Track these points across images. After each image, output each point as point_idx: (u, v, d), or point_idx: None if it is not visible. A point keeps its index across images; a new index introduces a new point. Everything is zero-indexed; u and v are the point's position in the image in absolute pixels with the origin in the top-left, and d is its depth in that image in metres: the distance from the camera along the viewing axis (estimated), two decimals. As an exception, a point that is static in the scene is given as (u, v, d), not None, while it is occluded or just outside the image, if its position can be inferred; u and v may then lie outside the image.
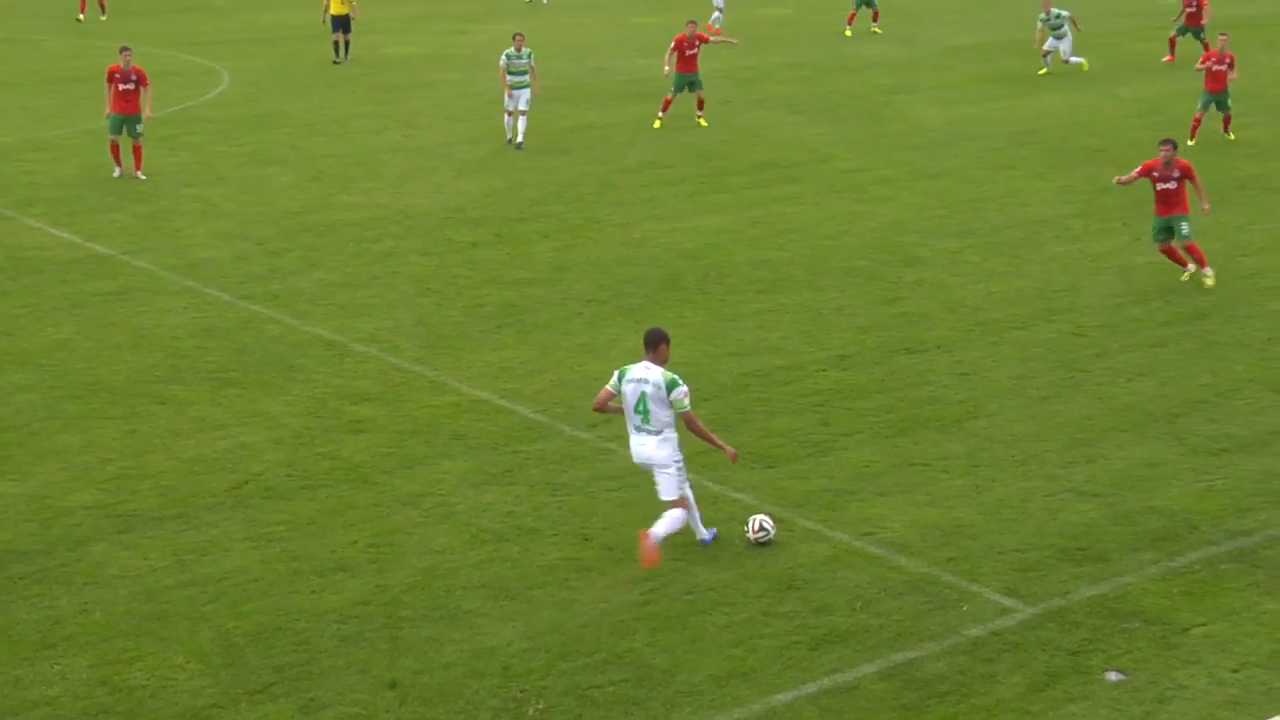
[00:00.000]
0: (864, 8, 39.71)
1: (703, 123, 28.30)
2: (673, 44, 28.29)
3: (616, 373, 11.93)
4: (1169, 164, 18.50)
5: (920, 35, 40.49)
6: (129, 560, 12.07)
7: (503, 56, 26.90)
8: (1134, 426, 14.46)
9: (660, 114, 28.56)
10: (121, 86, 24.20)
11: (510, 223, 22.02)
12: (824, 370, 16.03)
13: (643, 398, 11.70)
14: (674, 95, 28.36)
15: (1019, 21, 39.87)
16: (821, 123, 28.84)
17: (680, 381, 11.66)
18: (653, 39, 40.48)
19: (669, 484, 11.83)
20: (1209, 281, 18.38)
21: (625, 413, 11.89)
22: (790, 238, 21.04)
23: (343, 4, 36.17)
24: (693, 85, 28.17)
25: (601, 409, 12.11)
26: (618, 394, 11.85)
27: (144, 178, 24.51)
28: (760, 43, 39.18)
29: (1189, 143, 25.70)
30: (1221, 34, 27.84)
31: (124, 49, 24.80)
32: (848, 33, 39.78)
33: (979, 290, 18.62)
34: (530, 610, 11.27)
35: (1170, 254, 18.80)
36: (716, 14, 40.67)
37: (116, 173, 24.65)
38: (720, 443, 11.99)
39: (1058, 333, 17.09)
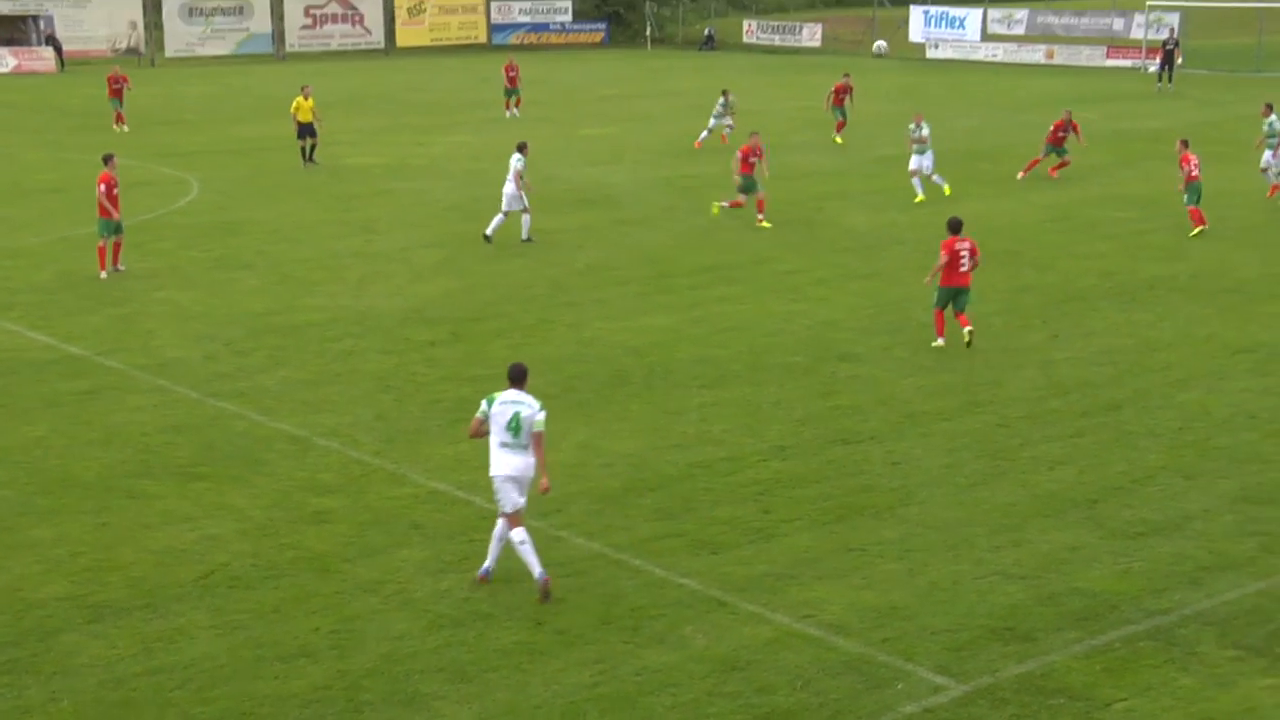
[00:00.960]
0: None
1: (765, 224, 28.84)
2: (739, 153, 29.18)
3: (485, 401, 12.84)
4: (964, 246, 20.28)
5: (851, 146, 41.11)
6: (98, 649, 11.87)
7: (520, 162, 27.23)
8: (1056, 512, 14.55)
9: (723, 203, 29.47)
10: (115, 191, 24.75)
11: (466, 322, 22.04)
12: (764, 461, 16.07)
13: (515, 417, 12.62)
14: (743, 198, 29.05)
15: (945, 134, 40.59)
16: (759, 228, 29.09)
17: (544, 409, 12.76)
18: (600, 149, 40.90)
19: (524, 495, 12.75)
20: (966, 339, 20.12)
21: (493, 432, 12.68)
22: (731, 335, 21.16)
23: (309, 112, 36.83)
24: (751, 189, 29.05)
25: (476, 434, 12.91)
26: (487, 418, 12.72)
27: (124, 269, 25.12)
28: (703, 153, 39.64)
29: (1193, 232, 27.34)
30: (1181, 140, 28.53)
31: (110, 157, 25.32)
32: (838, 140, 40.24)
33: (909, 384, 18.77)
34: (486, 692, 11.16)
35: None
36: (728, 126, 40.87)
37: (104, 275, 24.71)
38: (544, 468, 12.78)
39: (983, 424, 17.22)
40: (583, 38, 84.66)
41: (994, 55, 71.15)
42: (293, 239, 28.44)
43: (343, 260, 26.49)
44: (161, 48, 72.58)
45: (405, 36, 79.88)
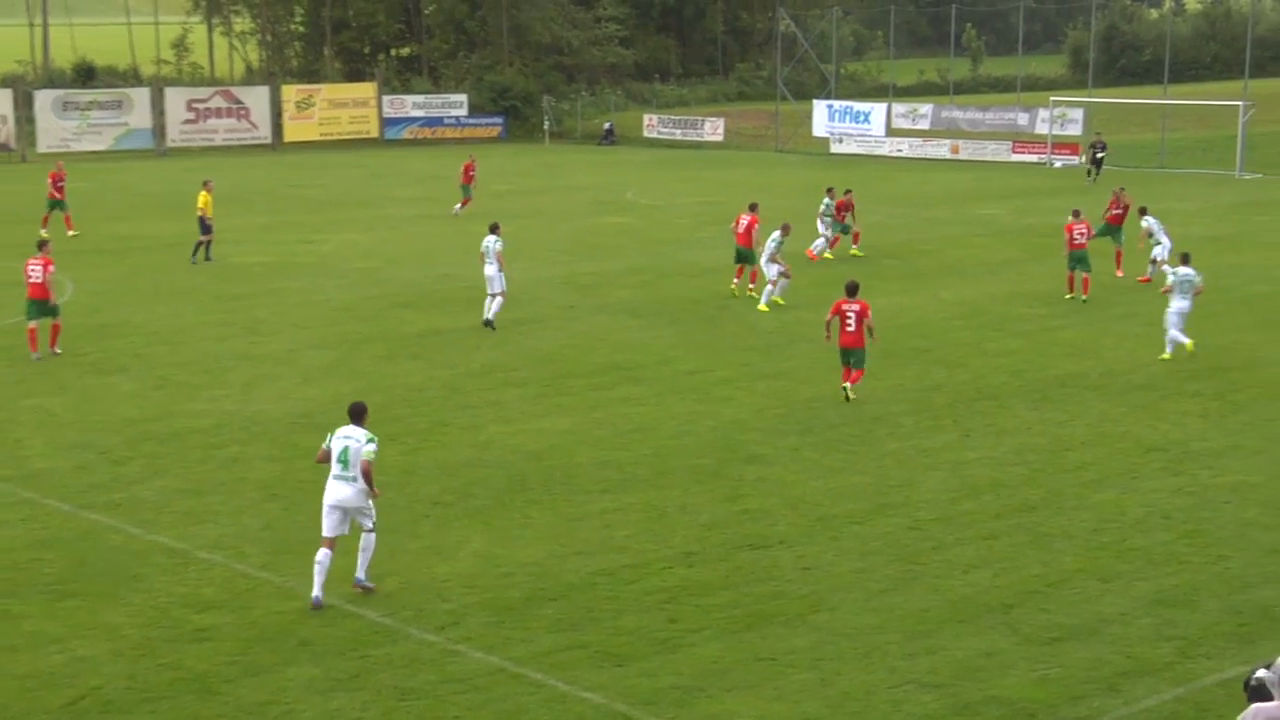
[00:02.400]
0: (843, 234, 37.92)
1: (762, 307, 30.80)
2: (738, 223, 32.02)
3: (329, 434, 15.10)
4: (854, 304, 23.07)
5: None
6: (-43, 782, 11.47)
7: (499, 243, 28.88)
8: (970, 617, 14.68)
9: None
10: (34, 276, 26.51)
11: (357, 427, 21.85)
12: (670, 568, 16.06)
13: (345, 450, 14.85)
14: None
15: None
16: (662, 326, 29.35)
17: (374, 440, 14.93)
18: (497, 247, 41.02)
19: (369, 518, 15.08)
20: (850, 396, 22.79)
21: (331, 462, 14.92)
22: (634, 438, 21.21)
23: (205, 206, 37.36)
24: (749, 260, 31.64)
25: (323, 460, 15.10)
26: (329, 451, 14.92)
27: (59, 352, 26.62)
28: (602, 250, 39.95)
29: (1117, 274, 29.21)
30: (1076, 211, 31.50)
31: (44, 243, 27.74)
32: (856, 251, 38.19)
33: (819, 486, 18.91)
34: (378, 820, 10.93)
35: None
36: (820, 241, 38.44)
37: (36, 356, 26.19)
38: (374, 488, 15.00)
39: (895, 527, 17.38)
40: (479, 132, 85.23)
41: (899, 150, 72.74)
42: (173, 341, 28.13)
43: (226, 363, 26.23)
44: (34, 143, 71.86)
45: (293, 131, 79.91)
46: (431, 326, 29.33)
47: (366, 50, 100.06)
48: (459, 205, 48.72)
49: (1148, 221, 33.91)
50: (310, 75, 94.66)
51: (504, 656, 13.74)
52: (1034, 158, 68.32)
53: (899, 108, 75.76)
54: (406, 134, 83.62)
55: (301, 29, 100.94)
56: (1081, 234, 31.40)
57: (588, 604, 15.00)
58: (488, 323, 28.74)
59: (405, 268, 37.20)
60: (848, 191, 38.37)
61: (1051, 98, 71.15)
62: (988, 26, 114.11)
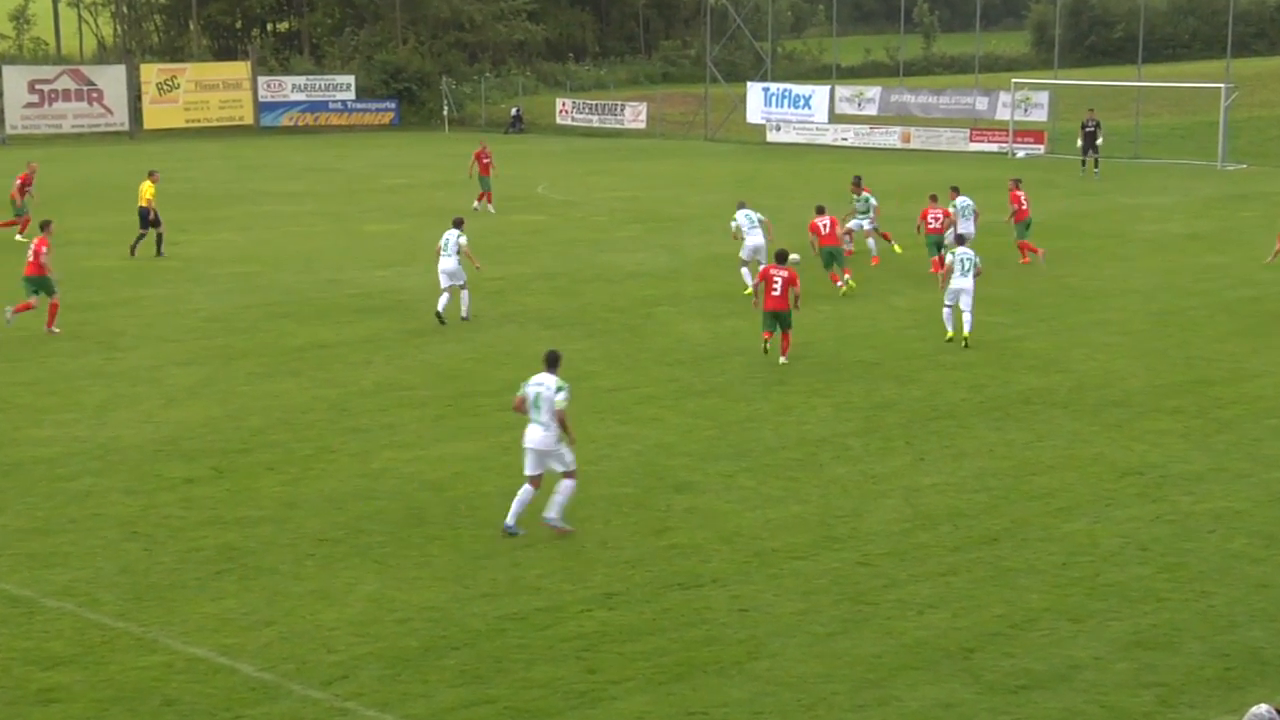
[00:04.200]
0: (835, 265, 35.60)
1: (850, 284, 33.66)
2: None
3: (523, 382, 18.24)
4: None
5: (683, 243, 41.83)
6: None
7: (463, 238, 30.89)
8: (927, 664, 14.80)
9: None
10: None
11: (231, 455, 21.70)
12: (588, 610, 16.06)
13: (537, 396, 17.86)
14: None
15: (790, 228, 41.51)
16: (579, 338, 29.36)
17: (564, 388, 17.95)
18: (389, 249, 40.93)
19: (564, 463, 18.03)
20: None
21: (526, 409, 17.97)
22: (548, 465, 21.17)
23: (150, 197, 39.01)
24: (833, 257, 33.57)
25: (519, 409, 18.14)
26: (524, 398, 17.98)
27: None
28: (510, 252, 39.93)
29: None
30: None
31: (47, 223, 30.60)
32: (897, 248, 38.40)
33: (756, 517, 18.99)
34: None
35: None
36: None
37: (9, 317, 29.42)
38: (570, 433, 18.16)
39: (842, 562, 17.49)
40: (368, 119, 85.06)
41: (843, 139, 73.43)
42: (13, 358, 27.77)
43: (77, 382, 25.93)
44: None
45: (154, 117, 79.28)
46: (316, 339, 29.16)
47: (238, 25, 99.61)
48: (478, 201, 48.47)
49: (961, 201, 36.48)
50: (173, 53, 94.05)
51: (400, 714, 13.67)
52: (994, 147, 69.19)
53: (843, 91, 76.41)
54: (285, 120, 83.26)
55: (163, 0, 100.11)
56: (936, 219, 35.24)
57: (495, 653, 14.97)
58: (439, 316, 30.36)
59: (286, 272, 36.97)
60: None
61: (1013, 79, 72.05)
62: (942, 0, 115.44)
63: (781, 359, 26.77)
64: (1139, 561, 17.48)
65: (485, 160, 49.09)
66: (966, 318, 28.20)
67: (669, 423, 23.40)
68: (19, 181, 42.63)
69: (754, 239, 33.73)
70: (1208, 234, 42.51)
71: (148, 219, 39.46)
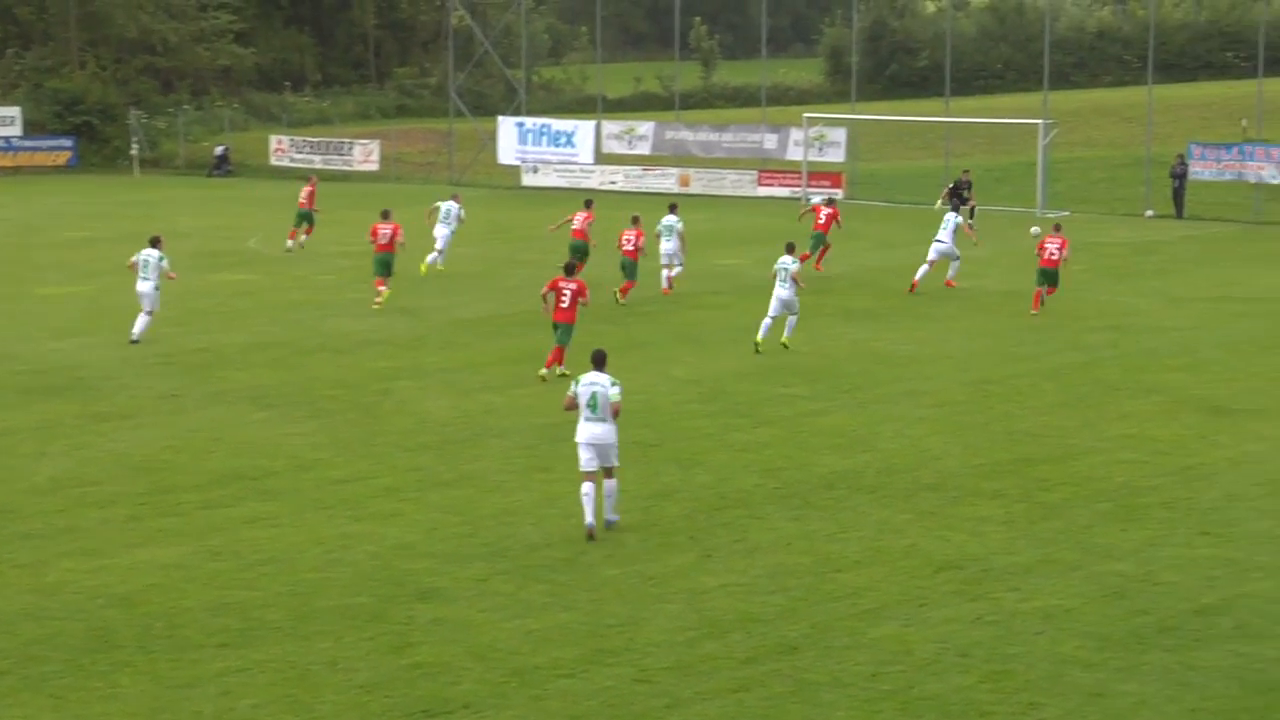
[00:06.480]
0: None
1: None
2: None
3: (573, 381, 22.42)
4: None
5: (424, 305, 41.72)
6: None
7: (164, 260, 36.04)
8: (719, 795, 14.88)
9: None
10: None
11: None
12: (316, 748, 15.84)
13: (594, 396, 21.94)
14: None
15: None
16: (302, 419, 29.08)
17: (618, 384, 22.17)
18: (67, 315, 40.08)
19: (615, 457, 22.36)
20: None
21: (580, 407, 22.04)
22: (264, 571, 20.90)
23: None
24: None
25: (570, 408, 22.27)
26: (576, 396, 22.06)
27: None
28: (216, 317, 39.42)
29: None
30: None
31: None
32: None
33: (514, 629, 18.94)
34: None
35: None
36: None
37: None
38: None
39: (616, 679, 17.51)
40: (39, 159, 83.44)
41: (612, 182, 74.14)
42: None
43: None
44: None
45: None
46: (-24, 426, 28.41)
47: None
48: (300, 236, 51.65)
49: (669, 221, 43.56)
50: None
51: None
52: (786, 191, 70.47)
53: (611, 126, 77.23)
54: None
55: None
56: (630, 241, 41.35)
57: (202, 802, 14.66)
58: (134, 341, 34.93)
59: (-63, 345, 35.95)
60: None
61: (805, 114, 73.46)
62: (722, 22, 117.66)
63: (559, 368, 31.61)
64: (959, 670, 17.82)
65: (310, 189, 52.51)
66: (791, 320, 34.70)
67: (411, 518, 23.25)
68: None
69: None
70: (1029, 291, 43.77)
71: None
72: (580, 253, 42.58)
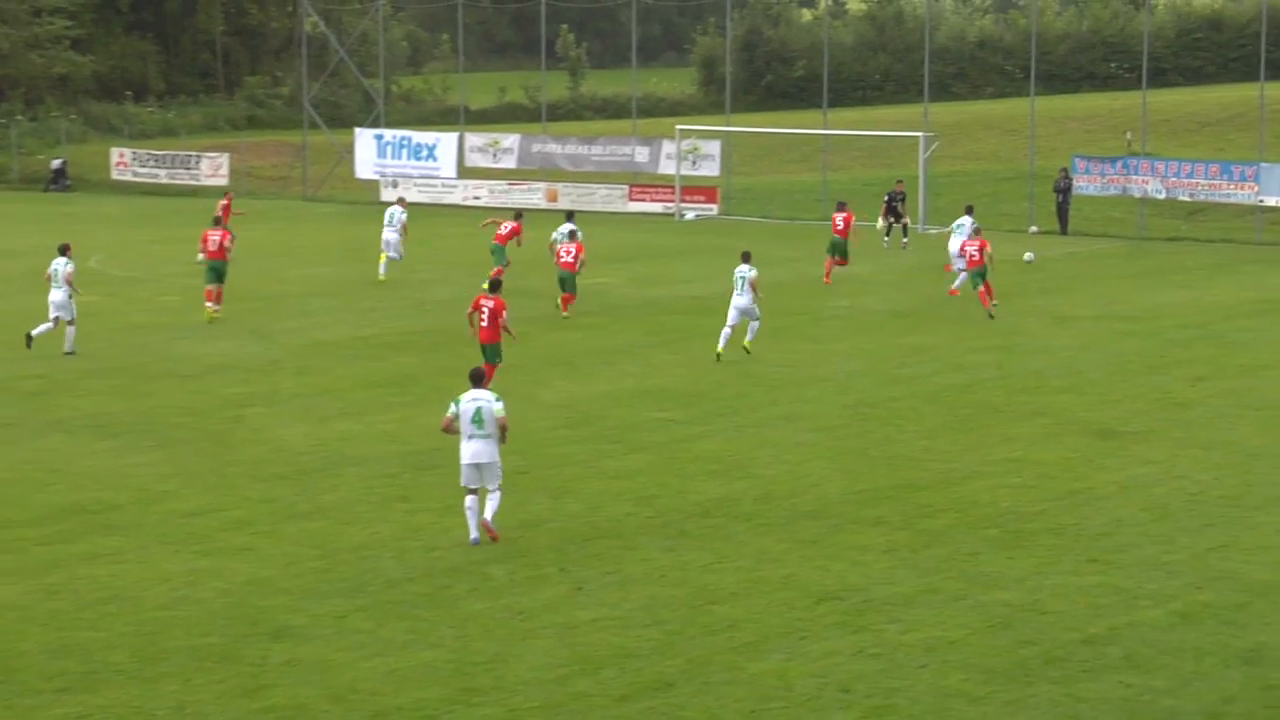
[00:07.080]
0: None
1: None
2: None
3: (452, 401, 22.84)
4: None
5: (277, 328, 41.44)
6: None
7: (70, 266, 37.57)
8: (591, 841, 14.87)
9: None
10: None
11: None
12: (163, 797, 15.68)
13: (479, 411, 22.56)
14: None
15: (412, 306, 41.69)
16: (147, 449, 28.80)
17: (501, 399, 22.80)
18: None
19: (498, 477, 22.98)
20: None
21: (462, 425, 22.62)
22: (106, 610, 20.65)
23: None
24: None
25: (448, 429, 22.88)
26: (457, 416, 22.64)
27: None
28: (54, 341, 38.94)
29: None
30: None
31: None
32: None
33: (375, 668, 18.83)
34: None
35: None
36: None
37: None
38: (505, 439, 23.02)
39: (483, 720, 17.48)
40: None
41: (476, 197, 74.03)
42: None
43: None
44: None
45: None
46: None
47: None
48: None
49: (568, 228, 45.27)
50: None
51: None
52: (659, 206, 70.71)
53: (474, 139, 77.18)
54: None
55: None
56: (569, 253, 42.63)
57: None
58: (29, 338, 36.74)
59: None
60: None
61: (678, 125, 73.78)
62: (590, 29, 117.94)
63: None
64: (840, 705, 17.91)
65: (225, 204, 53.32)
66: (753, 325, 36.49)
67: (264, 553, 23.08)
68: None
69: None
70: (910, 310, 44.20)
71: None
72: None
